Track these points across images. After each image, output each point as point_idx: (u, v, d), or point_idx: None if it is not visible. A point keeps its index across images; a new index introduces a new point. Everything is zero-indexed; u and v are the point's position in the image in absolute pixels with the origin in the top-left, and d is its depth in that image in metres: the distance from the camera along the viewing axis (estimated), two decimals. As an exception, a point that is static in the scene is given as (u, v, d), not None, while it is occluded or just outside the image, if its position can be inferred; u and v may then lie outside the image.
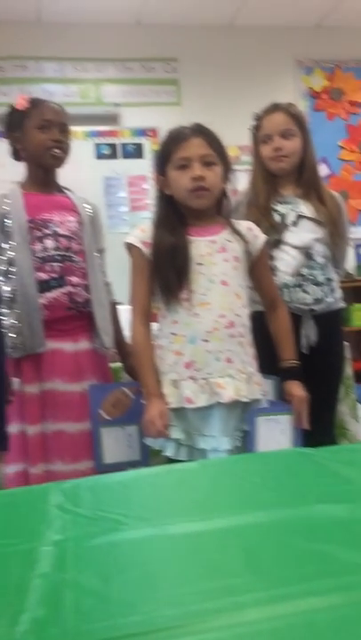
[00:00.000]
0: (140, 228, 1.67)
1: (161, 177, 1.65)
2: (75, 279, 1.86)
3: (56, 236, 1.87)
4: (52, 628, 0.57)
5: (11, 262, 1.82)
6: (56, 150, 1.88)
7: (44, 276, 1.83)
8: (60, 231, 1.88)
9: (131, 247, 1.64)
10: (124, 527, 0.79)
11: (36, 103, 1.94)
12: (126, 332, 1.97)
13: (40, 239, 1.85)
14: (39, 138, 1.88)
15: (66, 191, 2.00)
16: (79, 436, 1.83)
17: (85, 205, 2.00)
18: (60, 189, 2.00)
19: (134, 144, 3.90)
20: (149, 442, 1.59)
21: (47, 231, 1.87)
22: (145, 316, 1.64)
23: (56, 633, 0.56)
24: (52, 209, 1.91)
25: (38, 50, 3.82)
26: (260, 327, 1.71)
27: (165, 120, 3.33)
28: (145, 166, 3.86)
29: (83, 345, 1.88)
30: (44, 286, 1.82)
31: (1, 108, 3.50)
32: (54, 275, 1.84)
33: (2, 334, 1.53)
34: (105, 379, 1.95)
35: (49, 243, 1.86)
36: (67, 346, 1.85)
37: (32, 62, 3.82)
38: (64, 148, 1.90)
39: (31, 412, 1.80)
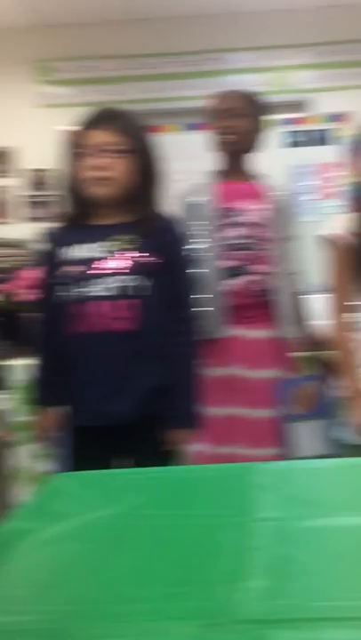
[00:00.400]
0: (337, 220, 1.64)
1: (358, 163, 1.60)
2: (258, 267, 1.88)
3: (242, 224, 1.90)
4: (278, 600, 0.59)
5: (198, 249, 1.89)
6: (225, 136, 1.91)
7: (228, 263, 1.87)
8: (247, 219, 1.91)
9: (329, 239, 1.61)
10: (334, 512, 0.79)
11: (216, 97, 2.00)
12: (316, 321, 1.95)
13: (227, 227, 1.90)
14: (214, 128, 1.95)
15: (259, 178, 2.02)
16: (259, 422, 1.85)
17: (277, 193, 2.00)
18: (253, 177, 2.02)
19: (324, 130, 3.81)
20: (342, 434, 1.56)
21: (234, 219, 1.90)
22: (344, 310, 1.61)
23: (282, 605, 0.58)
24: (242, 197, 1.94)
25: (232, 41, 3.85)
26: None
27: (358, 104, 3.21)
28: (333, 153, 3.75)
29: (264, 333, 1.89)
30: (228, 273, 1.86)
31: (196, 101, 3.66)
32: (238, 262, 1.87)
33: (195, 318, 1.59)
34: (286, 368, 1.94)
35: (235, 231, 1.89)
36: (248, 333, 1.88)
37: (226, 54, 3.87)
38: (234, 131, 1.91)
39: (212, 395, 1.85)
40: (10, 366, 2.06)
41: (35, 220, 3.90)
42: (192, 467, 1.48)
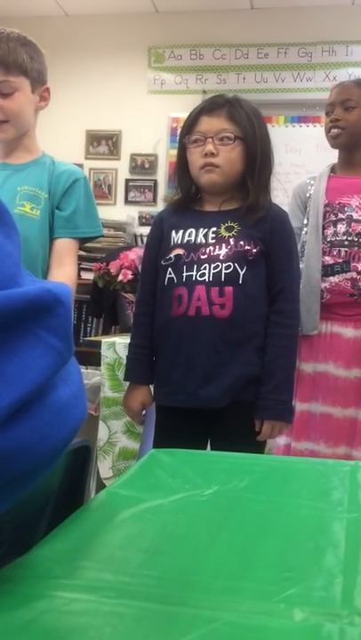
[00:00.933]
0: None
1: None
2: (359, 266, 1.83)
3: (350, 220, 1.86)
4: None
5: (302, 244, 1.86)
6: (333, 130, 1.87)
7: (329, 260, 1.84)
8: (356, 216, 1.86)
9: None
10: None
11: (329, 89, 1.96)
12: None
13: (334, 223, 1.86)
14: (324, 122, 1.93)
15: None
16: (344, 421, 1.82)
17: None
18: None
19: None
20: None
21: (342, 215, 1.87)
22: None
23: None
24: (354, 193, 1.89)
25: (349, 34, 3.76)
26: None
27: None
28: None
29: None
30: (328, 270, 1.84)
31: (305, 93, 3.59)
32: (339, 260, 1.84)
33: (298, 311, 1.57)
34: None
35: (341, 227, 1.86)
36: (347, 331, 1.85)
37: (341, 47, 3.78)
38: (341, 125, 1.86)
39: (302, 390, 1.84)
40: (102, 343, 2.12)
41: (136, 203, 3.97)
42: (291, 457, 1.47)
